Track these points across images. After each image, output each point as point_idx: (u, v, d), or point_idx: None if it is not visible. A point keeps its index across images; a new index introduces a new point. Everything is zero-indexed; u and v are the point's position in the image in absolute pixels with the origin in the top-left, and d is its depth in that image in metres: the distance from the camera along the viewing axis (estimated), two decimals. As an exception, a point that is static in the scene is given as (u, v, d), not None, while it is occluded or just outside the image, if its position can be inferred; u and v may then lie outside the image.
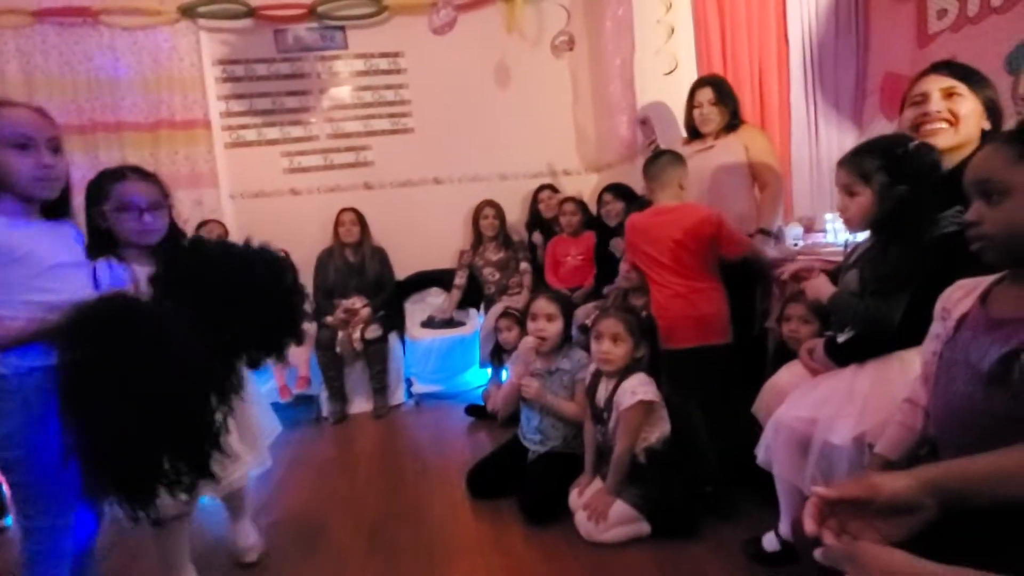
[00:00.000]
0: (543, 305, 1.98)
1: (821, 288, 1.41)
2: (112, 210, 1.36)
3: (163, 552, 1.49)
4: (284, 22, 3.50)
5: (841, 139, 2.80)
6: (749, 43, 2.87)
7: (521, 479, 1.91)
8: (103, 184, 1.38)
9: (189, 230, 2.30)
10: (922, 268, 1.18)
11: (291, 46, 3.56)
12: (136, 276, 1.33)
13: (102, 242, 1.38)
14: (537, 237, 3.56)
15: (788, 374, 1.47)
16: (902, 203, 1.24)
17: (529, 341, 1.98)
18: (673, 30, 2.98)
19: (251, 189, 3.58)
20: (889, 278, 1.24)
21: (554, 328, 1.96)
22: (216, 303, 1.19)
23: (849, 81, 2.77)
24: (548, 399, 1.93)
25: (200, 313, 1.15)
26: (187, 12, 3.30)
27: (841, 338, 1.34)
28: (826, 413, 1.23)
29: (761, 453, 1.35)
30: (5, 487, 1.73)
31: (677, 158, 2.09)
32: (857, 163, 1.29)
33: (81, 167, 3.23)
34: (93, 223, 1.39)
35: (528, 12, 3.65)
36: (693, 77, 2.92)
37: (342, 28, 3.59)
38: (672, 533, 1.62)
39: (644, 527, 1.63)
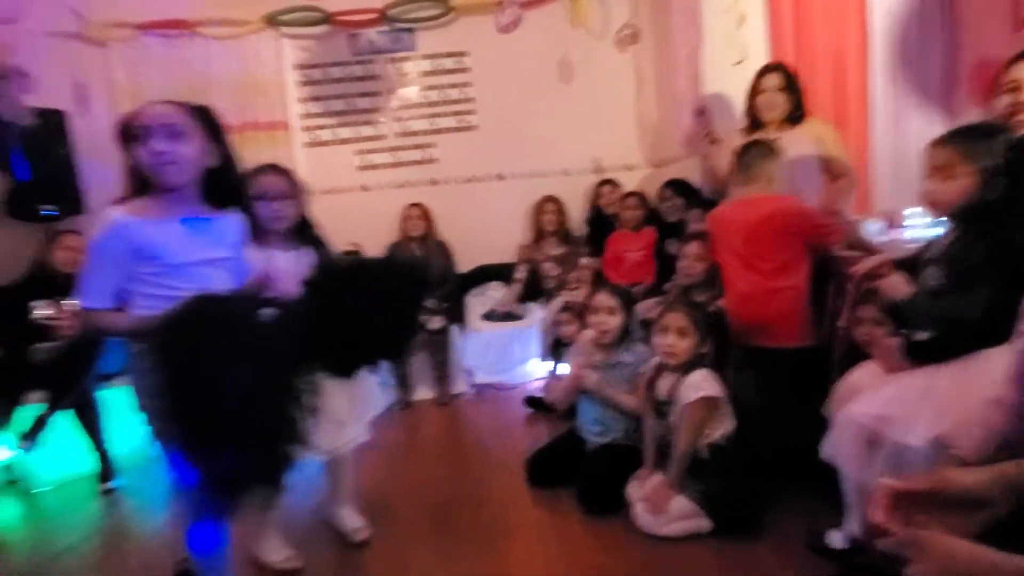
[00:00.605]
0: (604, 299, 2.00)
1: (897, 287, 1.35)
2: (252, 199, 1.54)
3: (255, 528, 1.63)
4: (358, 26, 3.67)
5: (927, 131, 2.61)
6: (826, 30, 2.74)
7: (579, 469, 1.95)
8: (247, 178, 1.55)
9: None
10: (1009, 264, 1.12)
11: (364, 49, 3.74)
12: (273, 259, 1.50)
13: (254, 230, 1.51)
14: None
15: (863, 372, 1.43)
16: (1003, 193, 1.17)
17: (589, 334, 2.00)
18: (744, 18, 2.89)
19: (326, 186, 3.78)
20: (975, 271, 1.18)
21: (614, 321, 1.97)
22: (357, 314, 1.31)
23: (936, 69, 2.58)
24: (607, 391, 1.95)
25: (338, 320, 1.27)
26: (271, 21, 3.54)
27: (919, 338, 1.28)
28: (900, 412, 1.19)
29: (828, 448, 1.32)
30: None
31: (770, 150, 2.01)
32: (964, 143, 1.23)
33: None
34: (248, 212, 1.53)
35: (593, 5, 3.64)
36: (764, 67, 2.84)
37: (411, 30, 3.73)
38: (734, 530, 1.60)
39: (704, 523, 1.63)
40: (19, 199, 3.10)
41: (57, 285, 2.60)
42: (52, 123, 3.21)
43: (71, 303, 2.59)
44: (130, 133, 1.20)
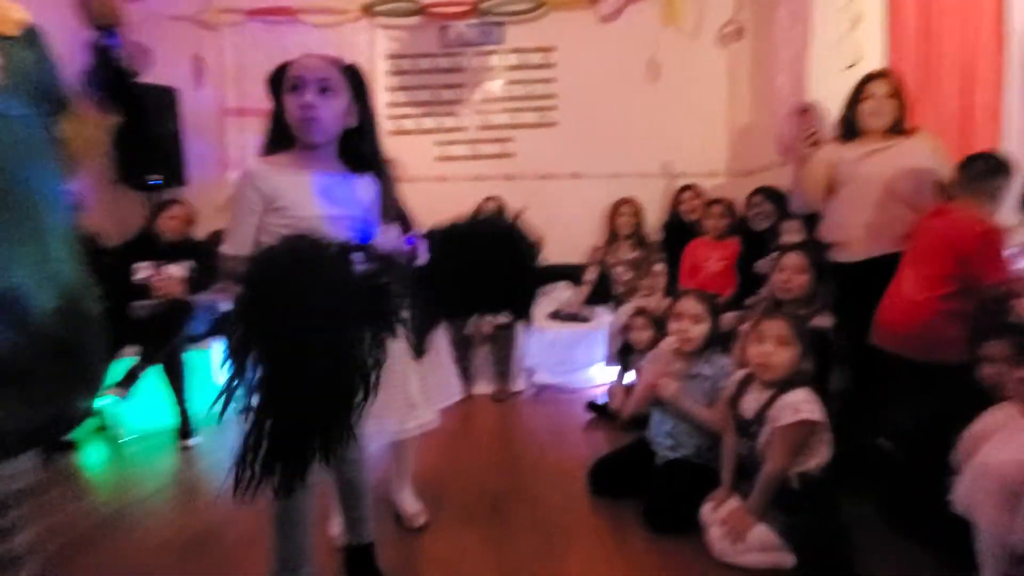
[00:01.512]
0: (690, 305, 1.88)
1: None
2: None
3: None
4: (449, 19, 3.72)
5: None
6: (954, 35, 2.48)
7: (645, 483, 1.85)
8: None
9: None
10: None
11: (453, 41, 3.78)
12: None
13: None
14: None
15: (997, 415, 1.25)
16: None
17: (671, 341, 1.89)
18: (860, 18, 2.67)
19: (405, 174, 3.85)
20: None
21: (699, 330, 1.86)
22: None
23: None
24: (686, 403, 1.84)
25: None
26: (367, 10, 3.65)
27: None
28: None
29: (959, 498, 1.16)
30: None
31: (1001, 168, 1.81)
32: None
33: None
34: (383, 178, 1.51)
35: (688, 3, 3.50)
36: (880, 72, 2.61)
37: (502, 23, 3.73)
38: (820, 571, 1.45)
39: (787, 558, 1.48)
40: (128, 167, 3.35)
41: (160, 250, 2.80)
42: (165, 99, 3.45)
43: (171, 268, 2.78)
44: (281, 82, 1.20)
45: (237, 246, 1.19)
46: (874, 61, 2.68)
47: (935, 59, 2.53)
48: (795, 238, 2.46)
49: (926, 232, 1.86)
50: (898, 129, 2.12)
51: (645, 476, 1.88)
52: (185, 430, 2.59)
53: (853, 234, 2.07)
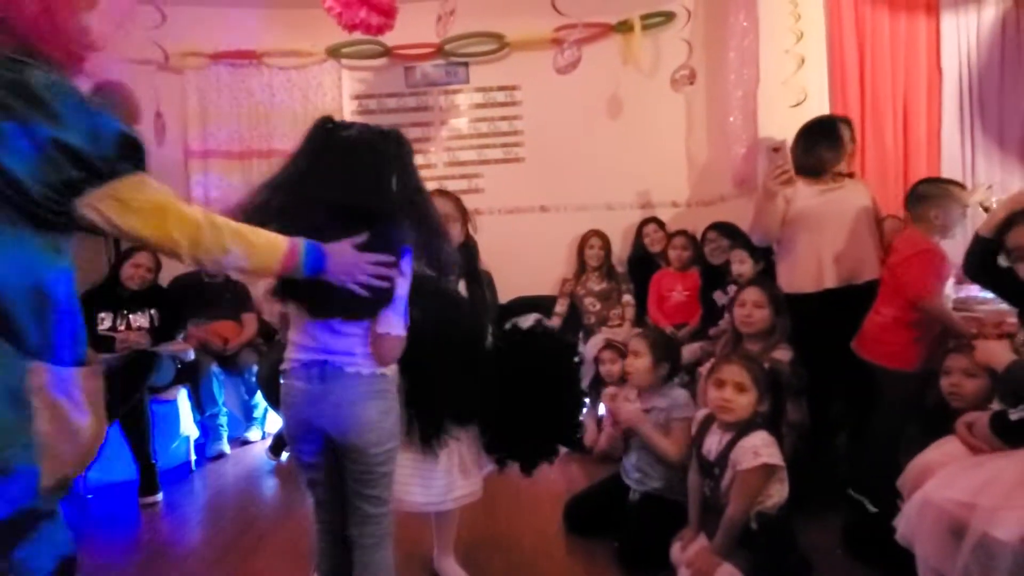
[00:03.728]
0: (635, 343, 1.97)
1: (997, 353, 1.25)
2: None
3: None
4: (414, 60, 3.79)
5: (1005, 180, 2.48)
6: (894, 73, 2.65)
7: (620, 519, 1.86)
8: None
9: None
10: None
11: (418, 81, 3.85)
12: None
13: None
14: None
15: (942, 450, 1.30)
16: None
17: (611, 391, 1.95)
18: (804, 60, 2.83)
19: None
20: None
21: (641, 364, 1.91)
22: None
23: (1017, 117, 2.45)
24: (645, 428, 1.87)
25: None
26: (333, 53, 3.70)
27: (1015, 415, 1.16)
28: (989, 500, 1.07)
29: (902, 529, 1.21)
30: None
31: (931, 194, 1.95)
32: None
33: (237, 189, 3.70)
34: None
35: (645, 44, 3.65)
36: (823, 110, 2.75)
37: (466, 64, 3.82)
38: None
39: (753, 595, 1.51)
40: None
41: (123, 299, 2.73)
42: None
43: (136, 317, 2.73)
44: None
45: None
46: (819, 99, 2.84)
47: (875, 96, 2.70)
48: (744, 267, 2.54)
49: (886, 269, 2.01)
50: (848, 172, 2.26)
51: (620, 512, 1.89)
52: (149, 485, 2.50)
53: (808, 267, 2.17)
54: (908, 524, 1.19)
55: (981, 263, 1.48)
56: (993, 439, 1.19)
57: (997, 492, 1.08)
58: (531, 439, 1.59)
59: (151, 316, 2.76)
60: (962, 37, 2.52)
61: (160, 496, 2.49)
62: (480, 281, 1.78)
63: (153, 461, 2.53)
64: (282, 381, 1.27)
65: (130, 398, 2.48)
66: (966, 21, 2.51)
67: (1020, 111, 2.45)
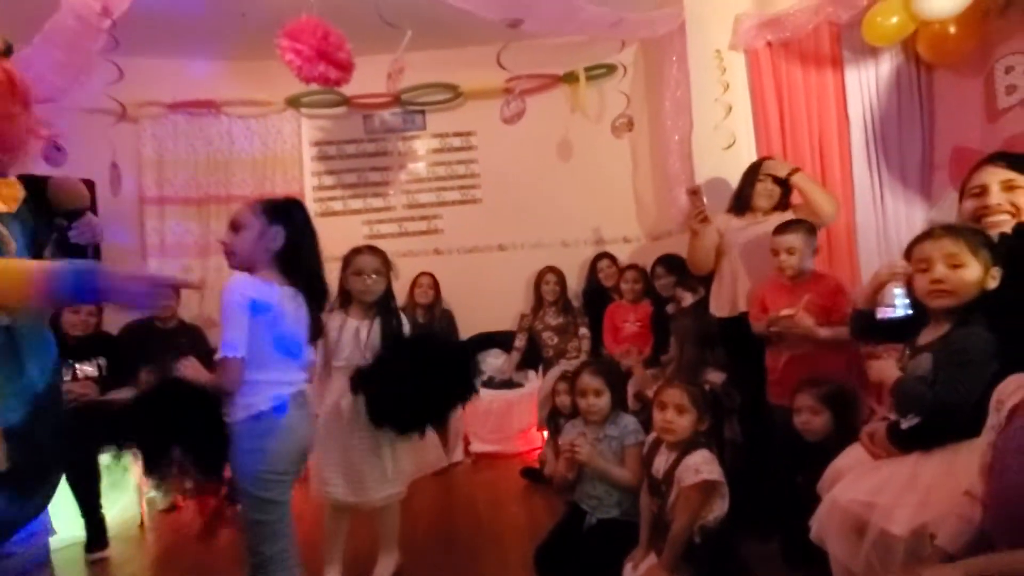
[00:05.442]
0: (588, 381, 1.98)
1: (886, 371, 1.40)
2: (350, 274, 1.89)
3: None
4: (373, 108, 3.94)
5: (910, 213, 2.77)
6: (808, 120, 2.94)
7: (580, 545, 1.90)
8: (348, 256, 1.93)
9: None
10: (1006, 356, 1.17)
11: (377, 128, 4.00)
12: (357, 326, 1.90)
13: (343, 298, 1.91)
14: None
15: (850, 457, 1.44)
16: (1001, 286, 1.24)
17: (572, 434, 2.03)
18: (731, 108, 3.11)
19: (335, 253, 3.90)
20: (971, 361, 1.22)
21: (601, 402, 1.96)
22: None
23: (915, 156, 2.76)
24: (599, 463, 1.94)
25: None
26: (292, 102, 3.81)
27: (905, 424, 1.31)
28: (885, 499, 1.20)
29: (814, 530, 1.33)
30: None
31: (811, 230, 2.19)
32: (967, 236, 1.28)
33: (194, 234, 3.71)
34: (341, 284, 1.92)
35: (591, 93, 3.92)
36: (751, 151, 3.02)
37: (423, 112, 4.00)
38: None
39: (700, 608, 1.58)
40: (38, 257, 3.23)
41: (68, 347, 2.64)
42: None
43: (81, 367, 2.65)
44: None
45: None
46: (747, 142, 3.11)
47: (794, 139, 2.97)
48: (686, 299, 2.73)
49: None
50: (782, 206, 2.46)
51: (580, 540, 1.93)
52: (97, 540, 2.40)
53: (728, 293, 2.37)
54: (820, 525, 1.31)
55: (862, 328, 1.64)
56: (890, 446, 1.32)
57: (892, 492, 1.20)
58: (409, 412, 1.83)
59: (99, 365, 2.67)
60: (864, 88, 2.83)
61: (108, 551, 2.40)
62: (393, 314, 2.00)
63: (101, 514, 2.44)
64: (274, 417, 1.38)
65: (80, 452, 2.40)
66: (867, 74, 2.82)
67: (916, 152, 2.75)
